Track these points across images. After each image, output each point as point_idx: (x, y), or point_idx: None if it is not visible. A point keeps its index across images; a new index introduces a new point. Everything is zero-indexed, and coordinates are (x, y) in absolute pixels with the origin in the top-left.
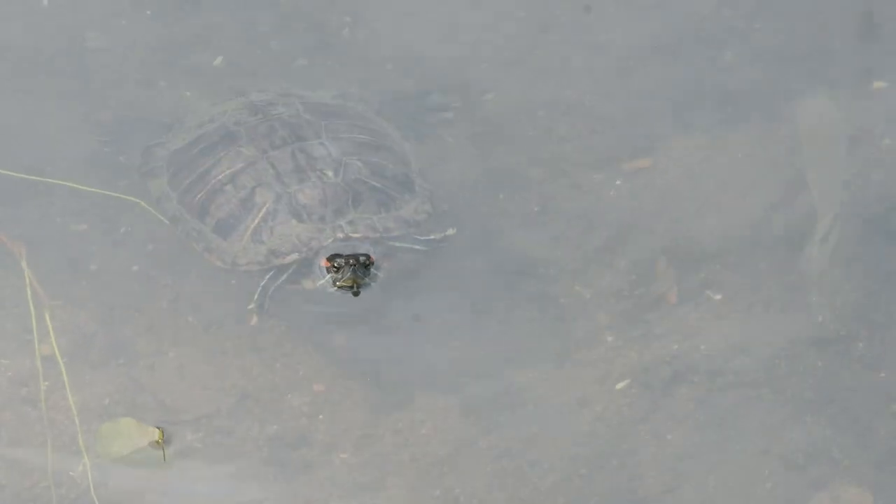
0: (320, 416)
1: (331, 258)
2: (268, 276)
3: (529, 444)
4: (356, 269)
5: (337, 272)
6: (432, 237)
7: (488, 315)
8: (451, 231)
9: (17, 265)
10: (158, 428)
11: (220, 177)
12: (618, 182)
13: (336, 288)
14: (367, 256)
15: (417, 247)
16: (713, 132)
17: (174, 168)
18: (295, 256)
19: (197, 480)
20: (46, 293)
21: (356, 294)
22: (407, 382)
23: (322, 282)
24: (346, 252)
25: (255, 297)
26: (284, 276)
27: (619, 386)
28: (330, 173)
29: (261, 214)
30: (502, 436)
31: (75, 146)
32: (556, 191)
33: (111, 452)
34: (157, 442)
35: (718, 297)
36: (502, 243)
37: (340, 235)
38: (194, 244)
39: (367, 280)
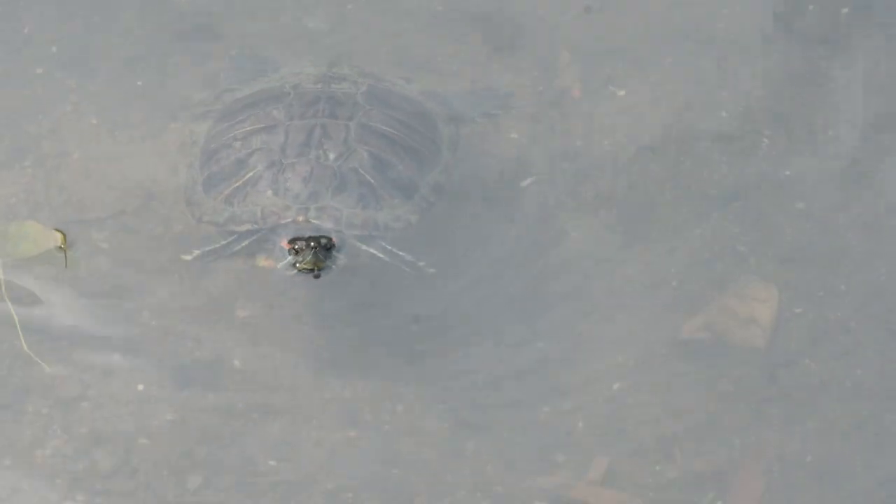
0: None
1: (291, 240)
2: (224, 242)
3: None
4: (317, 252)
5: (297, 255)
6: (402, 254)
7: None
8: (425, 267)
9: None
10: (60, 231)
11: (237, 132)
12: None
13: (297, 270)
14: (329, 239)
15: (381, 255)
16: None
17: (220, 114)
18: (248, 227)
19: (103, 278)
20: None
21: (317, 277)
22: None
23: (283, 263)
24: (307, 234)
25: (199, 252)
26: (241, 245)
27: (524, 183)
28: (332, 155)
29: (245, 178)
30: None
31: None
32: None
33: (19, 253)
34: (60, 246)
35: (622, 92)
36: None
37: (301, 219)
38: (184, 193)
39: (327, 263)
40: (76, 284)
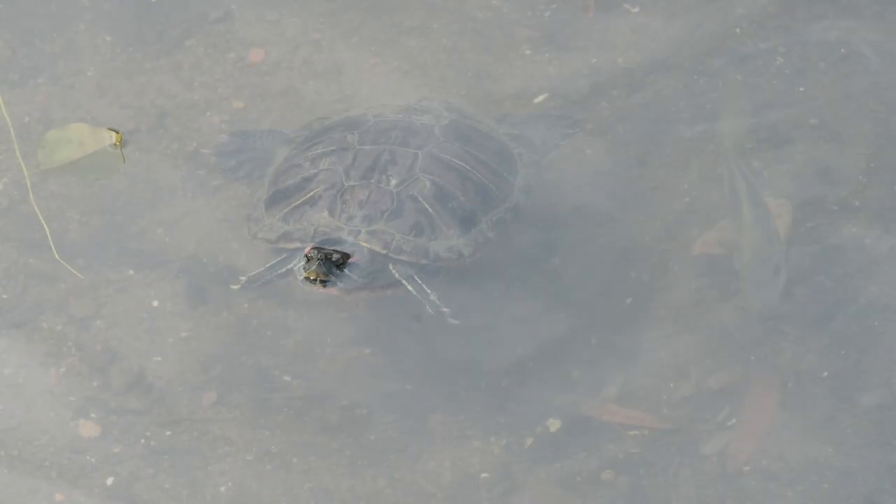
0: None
1: (311, 249)
2: (268, 265)
3: None
4: (321, 264)
5: (307, 262)
6: (433, 298)
7: (408, 33)
8: (453, 320)
9: None
10: (114, 130)
11: (309, 153)
12: None
13: (303, 278)
14: (342, 255)
15: (409, 287)
16: None
17: (304, 139)
18: (297, 245)
19: (117, 195)
20: None
21: (324, 286)
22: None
23: (295, 267)
24: (320, 241)
25: (245, 279)
26: (286, 268)
27: (538, 100)
28: (393, 181)
29: (305, 198)
30: None
31: None
32: None
33: (52, 161)
34: (115, 144)
35: (636, 9)
36: None
37: (350, 239)
38: (249, 209)
39: (331, 277)
40: (91, 201)
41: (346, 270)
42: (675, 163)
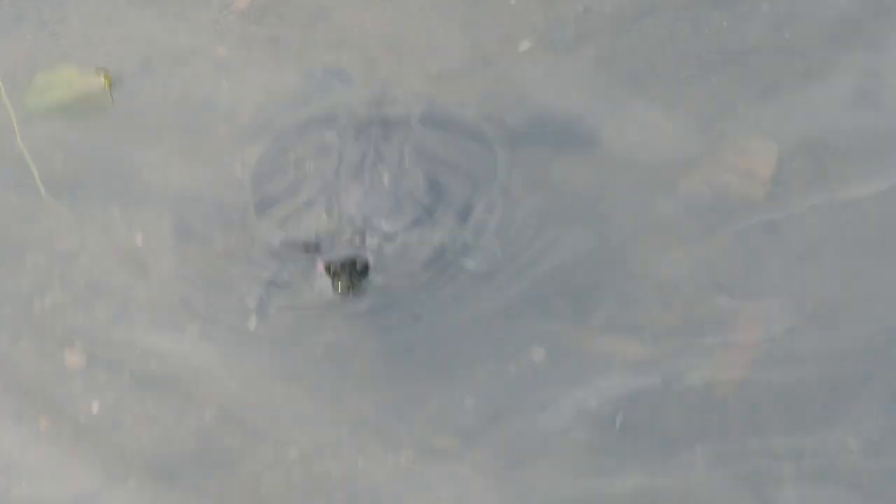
0: (223, 81)
1: (326, 263)
2: (272, 269)
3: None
4: (352, 275)
5: (333, 277)
6: (469, 265)
7: None
8: (496, 252)
9: None
10: (104, 71)
11: (290, 156)
12: None
13: (334, 293)
14: (365, 262)
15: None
16: None
17: (274, 138)
18: (301, 249)
19: (102, 137)
20: None
21: (355, 295)
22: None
23: (320, 286)
24: (342, 256)
25: (257, 295)
26: (287, 273)
27: (522, 47)
28: (386, 178)
29: (298, 202)
30: None
31: None
32: None
33: (42, 103)
34: (104, 86)
35: None
36: None
37: (357, 241)
38: (235, 217)
39: (362, 285)
40: (78, 143)
41: (370, 274)
42: (663, 104)
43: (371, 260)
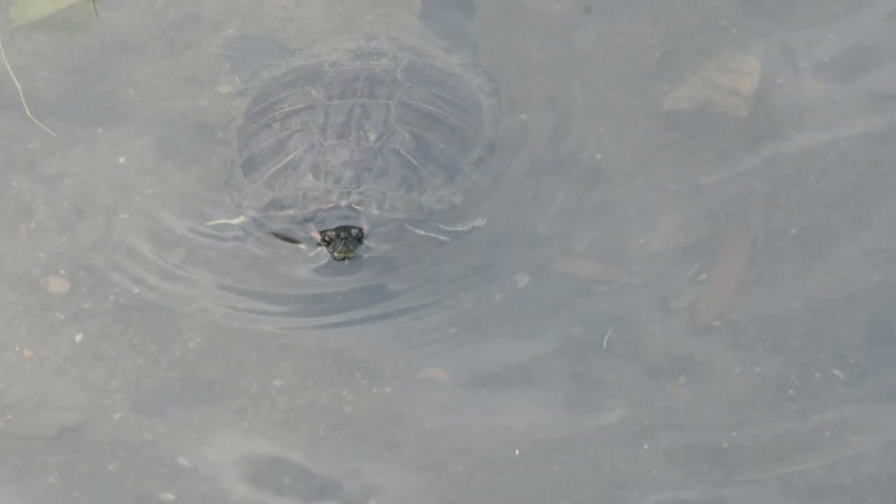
0: None
1: (322, 231)
2: (243, 218)
3: None
4: (347, 242)
5: (328, 244)
6: (459, 228)
7: None
8: (480, 222)
9: None
10: None
11: (276, 113)
12: None
13: (328, 258)
14: (359, 229)
15: (442, 237)
16: None
17: (259, 93)
18: (290, 212)
19: (86, 54)
20: None
21: (351, 260)
22: None
23: (315, 252)
24: (337, 224)
25: (219, 221)
26: (277, 228)
27: None
28: (372, 136)
29: (285, 160)
30: None
31: None
32: None
33: (28, 17)
34: None
35: None
36: None
37: (344, 203)
38: (223, 174)
39: (357, 252)
40: (61, 60)
41: (364, 241)
42: (644, 19)
43: (365, 227)
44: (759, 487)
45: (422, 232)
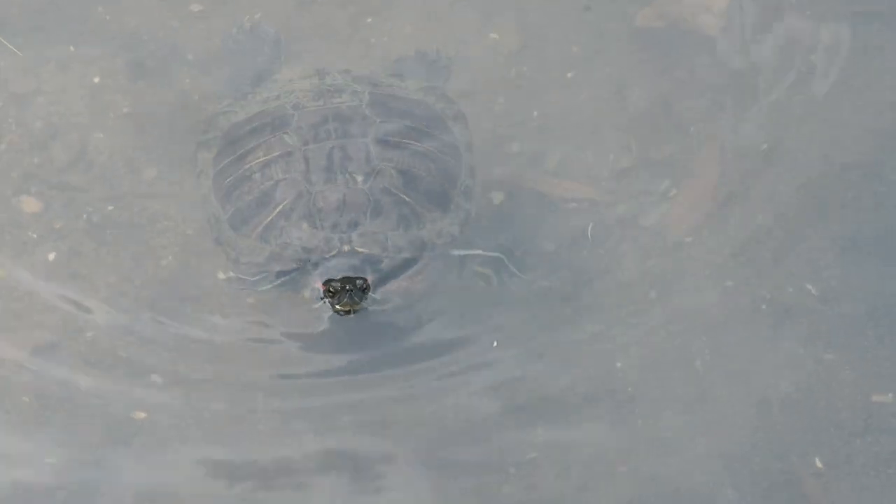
0: None
1: (326, 282)
2: (257, 277)
3: None
4: (352, 295)
5: (333, 296)
6: (477, 252)
7: None
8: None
9: None
10: None
11: (253, 163)
12: None
13: (333, 311)
14: (364, 280)
15: (490, 252)
16: None
17: (224, 143)
18: (294, 265)
19: None
20: None
21: (356, 313)
22: None
23: (319, 304)
24: (342, 275)
25: (234, 277)
26: (275, 284)
27: None
28: (360, 178)
29: (276, 211)
30: None
31: None
32: None
33: None
34: None
35: None
36: None
37: (346, 248)
38: (210, 231)
39: (363, 304)
40: None
41: (369, 294)
42: None
43: (371, 278)
44: (731, 405)
45: (465, 252)
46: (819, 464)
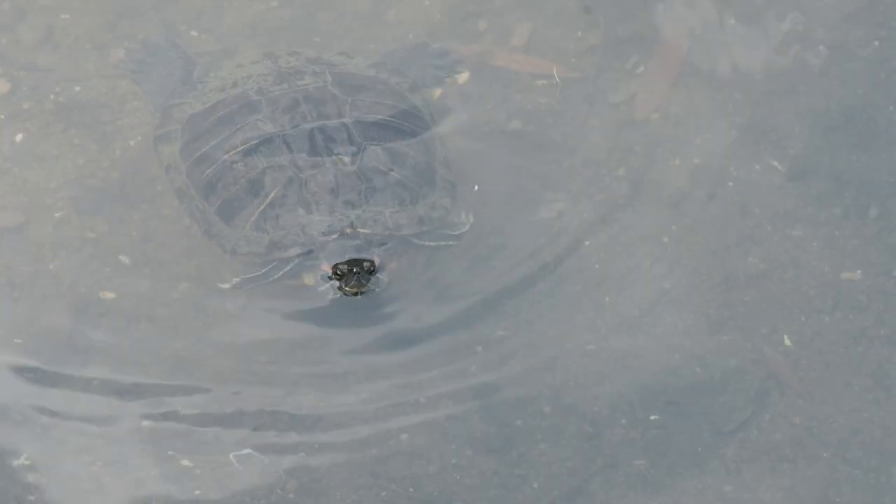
0: None
1: (333, 265)
2: (267, 268)
3: None
4: (360, 276)
5: (340, 279)
6: (462, 230)
7: None
8: (470, 218)
9: None
10: None
11: (232, 152)
12: None
13: (341, 293)
14: (371, 262)
15: (451, 243)
16: None
17: (189, 135)
18: (297, 250)
19: None
20: None
21: (363, 294)
22: None
23: (325, 287)
24: (349, 257)
25: (241, 279)
26: (284, 271)
27: None
28: (347, 159)
29: (268, 200)
30: None
31: None
32: None
33: None
34: None
35: None
36: None
37: (348, 231)
38: (196, 225)
39: (370, 286)
40: None
41: (377, 275)
42: None
43: (377, 260)
44: (699, 280)
45: (433, 243)
46: (787, 341)
